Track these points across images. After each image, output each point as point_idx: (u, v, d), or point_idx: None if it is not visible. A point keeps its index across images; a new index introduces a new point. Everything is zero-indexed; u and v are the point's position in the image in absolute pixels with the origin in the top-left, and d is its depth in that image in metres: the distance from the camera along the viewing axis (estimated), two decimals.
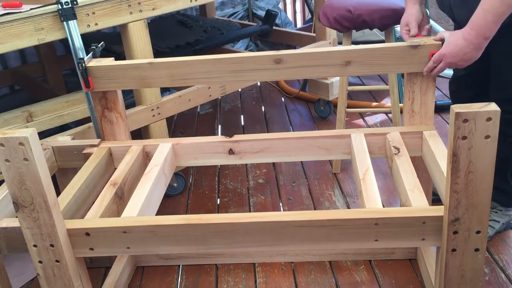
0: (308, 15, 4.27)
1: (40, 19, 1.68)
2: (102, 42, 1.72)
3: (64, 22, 1.72)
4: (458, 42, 1.44)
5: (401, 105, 2.40)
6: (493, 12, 1.38)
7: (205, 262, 1.88)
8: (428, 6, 3.03)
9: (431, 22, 3.19)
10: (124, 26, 1.92)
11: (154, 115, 2.12)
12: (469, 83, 1.83)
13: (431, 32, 1.61)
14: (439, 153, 1.41)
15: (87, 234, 1.28)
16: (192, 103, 2.28)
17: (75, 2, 1.72)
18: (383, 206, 1.31)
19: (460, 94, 1.90)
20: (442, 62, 1.48)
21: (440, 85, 3.24)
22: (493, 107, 1.03)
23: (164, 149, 1.64)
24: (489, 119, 1.03)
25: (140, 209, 1.36)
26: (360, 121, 2.91)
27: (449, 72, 3.38)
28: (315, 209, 2.15)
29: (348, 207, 2.15)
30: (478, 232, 1.16)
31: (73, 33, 1.74)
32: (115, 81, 1.63)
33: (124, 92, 1.77)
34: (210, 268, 1.87)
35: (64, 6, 1.70)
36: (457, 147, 1.06)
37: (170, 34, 2.84)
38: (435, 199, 1.80)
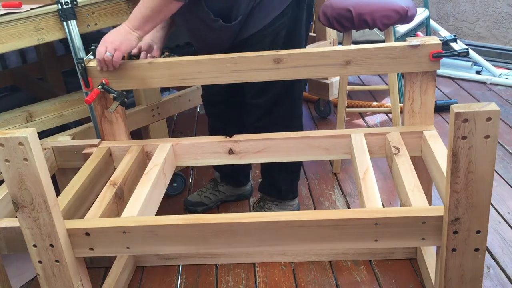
0: None
1: (40, 19, 1.68)
2: None
3: (64, 22, 1.72)
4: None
5: (401, 105, 2.40)
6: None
7: (205, 262, 1.88)
8: (428, 6, 3.03)
9: (431, 22, 3.19)
10: None
11: (154, 115, 2.11)
12: None
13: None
14: (439, 153, 1.41)
15: (87, 234, 1.28)
16: (192, 103, 2.28)
17: (75, 2, 1.72)
18: (383, 206, 1.30)
19: None
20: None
21: (440, 85, 3.24)
22: (493, 106, 1.03)
23: (164, 149, 1.64)
24: (489, 119, 1.03)
25: (140, 209, 1.36)
26: (360, 121, 2.91)
27: (451, 72, 3.38)
28: (315, 209, 2.15)
29: (348, 207, 2.15)
30: (478, 232, 1.16)
31: (73, 33, 1.75)
32: (115, 81, 1.62)
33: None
34: (210, 268, 1.87)
35: (64, 6, 1.70)
36: (457, 147, 1.06)
37: (170, 34, 2.83)
38: None
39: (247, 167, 2.21)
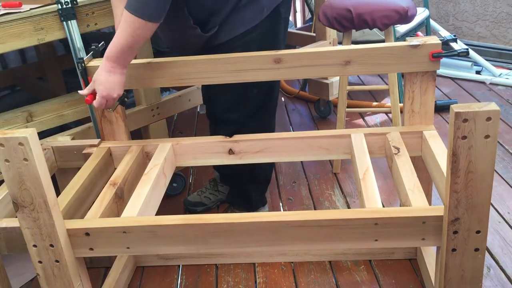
0: (308, 15, 4.26)
1: (39, 19, 1.68)
2: (103, 42, 1.71)
3: (64, 22, 1.72)
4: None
5: (401, 105, 2.40)
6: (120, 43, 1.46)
7: (205, 262, 1.88)
8: (428, 5, 3.03)
9: (431, 22, 3.19)
10: None
11: (154, 115, 2.11)
12: None
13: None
14: (439, 153, 1.41)
15: (87, 234, 1.28)
16: (192, 103, 2.28)
17: (75, 2, 1.72)
18: (383, 206, 1.31)
19: None
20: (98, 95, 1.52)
21: (440, 85, 3.24)
22: (493, 106, 1.03)
23: (164, 149, 1.64)
24: (488, 118, 1.03)
25: (140, 209, 1.36)
26: (360, 121, 2.91)
27: (451, 72, 3.38)
28: (315, 209, 2.15)
29: (348, 207, 2.15)
30: (478, 232, 1.16)
31: (73, 33, 1.74)
32: None
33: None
34: (210, 268, 1.87)
35: (64, 6, 1.70)
36: (457, 147, 1.06)
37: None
38: None
39: None
